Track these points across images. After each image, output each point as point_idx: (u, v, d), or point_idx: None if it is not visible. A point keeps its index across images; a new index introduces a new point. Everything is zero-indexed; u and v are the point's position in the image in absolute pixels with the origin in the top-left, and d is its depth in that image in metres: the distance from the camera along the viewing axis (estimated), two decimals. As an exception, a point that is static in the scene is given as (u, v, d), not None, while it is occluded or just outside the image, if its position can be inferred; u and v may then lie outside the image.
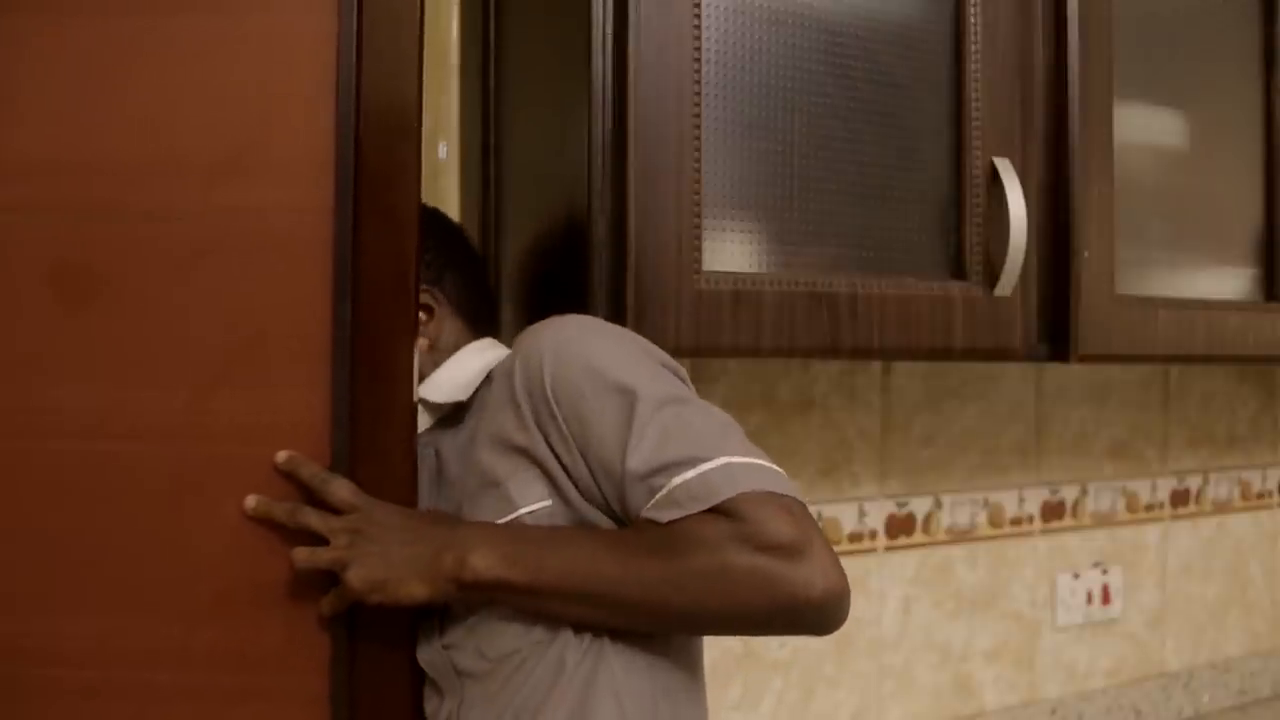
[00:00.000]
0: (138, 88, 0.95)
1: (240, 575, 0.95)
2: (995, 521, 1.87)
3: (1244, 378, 2.18)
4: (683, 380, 1.00)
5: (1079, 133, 1.39)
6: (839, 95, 1.26)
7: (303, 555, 0.94)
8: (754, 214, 1.22)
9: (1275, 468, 2.24)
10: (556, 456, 0.97)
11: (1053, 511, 1.93)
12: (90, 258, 0.95)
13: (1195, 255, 1.61)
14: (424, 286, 1.10)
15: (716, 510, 0.88)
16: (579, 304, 1.15)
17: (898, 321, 1.27)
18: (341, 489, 0.94)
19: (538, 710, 0.96)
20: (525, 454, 0.97)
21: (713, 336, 1.17)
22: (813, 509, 1.68)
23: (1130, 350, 1.46)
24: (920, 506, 1.79)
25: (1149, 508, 2.05)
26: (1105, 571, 1.99)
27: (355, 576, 0.92)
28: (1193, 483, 2.12)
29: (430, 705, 1.03)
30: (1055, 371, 1.92)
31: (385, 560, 0.93)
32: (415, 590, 0.93)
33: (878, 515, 1.75)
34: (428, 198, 1.07)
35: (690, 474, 0.89)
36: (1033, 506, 1.91)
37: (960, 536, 1.83)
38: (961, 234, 1.33)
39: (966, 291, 1.32)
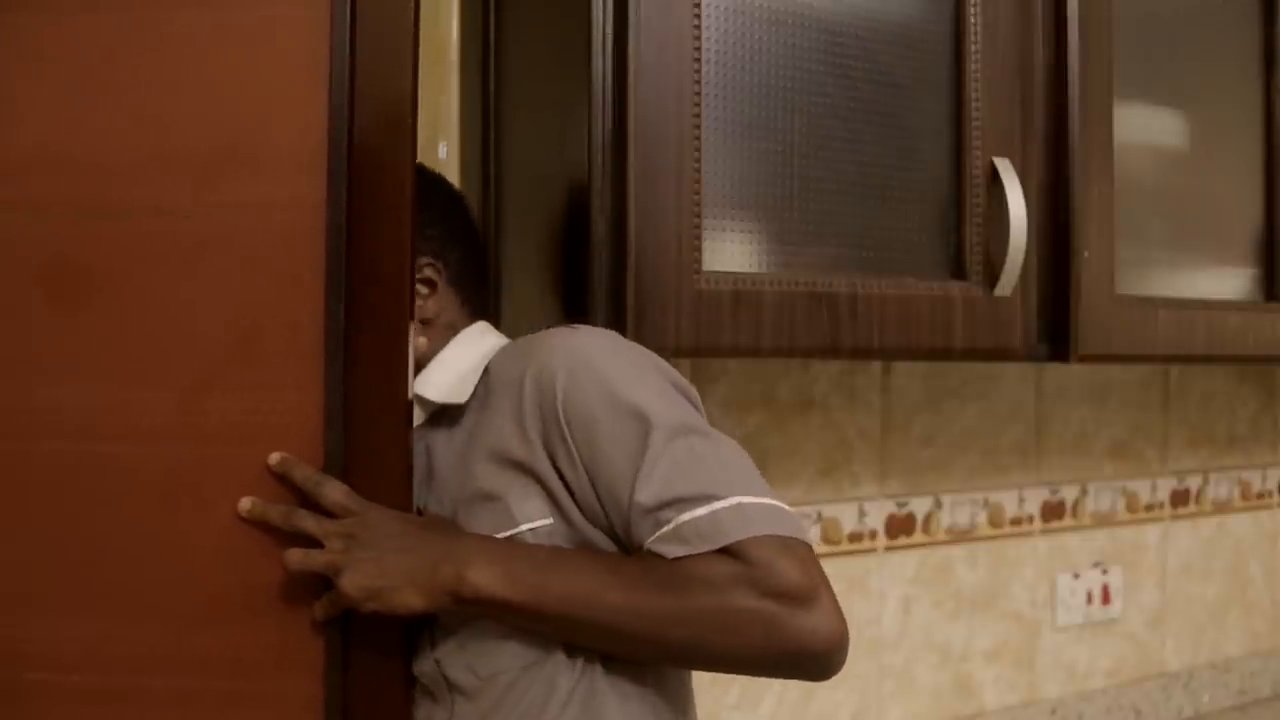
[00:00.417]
0: (131, 83, 0.95)
1: (234, 578, 0.94)
2: (995, 521, 1.87)
3: (1244, 378, 2.18)
4: (693, 402, 1.00)
5: (1079, 133, 1.39)
6: (839, 95, 1.26)
7: (296, 557, 0.92)
8: (754, 214, 1.22)
9: (1275, 468, 2.24)
10: (561, 476, 0.96)
11: (1053, 511, 1.93)
12: (83, 255, 0.94)
13: (1195, 255, 1.60)
14: (427, 259, 1.07)
15: (725, 551, 0.88)
16: (579, 303, 1.15)
17: (898, 321, 1.27)
18: (335, 491, 0.93)
19: None
20: (528, 471, 0.96)
21: (713, 336, 1.17)
22: (812, 509, 1.69)
23: (1130, 350, 1.46)
24: (920, 506, 1.79)
25: (1149, 508, 2.05)
26: (1105, 571, 1.99)
27: (349, 583, 0.91)
28: (1193, 483, 2.12)
29: (422, 712, 1.02)
30: (1055, 371, 1.92)
31: (380, 567, 0.91)
32: (411, 600, 0.91)
33: (878, 515, 1.75)
34: (427, 198, 1.07)
35: (701, 511, 0.89)
36: (1033, 506, 1.91)
37: (960, 536, 1.83)
38: (961, 234, 1.33)
39: (966, 291, 1.32)
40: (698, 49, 1.16)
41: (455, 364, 1.07)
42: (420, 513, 1.03)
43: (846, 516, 1.72)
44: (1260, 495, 2.22)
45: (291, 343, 0.94)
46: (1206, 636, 2.13)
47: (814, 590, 0.87)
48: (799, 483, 1.68)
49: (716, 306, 1.17)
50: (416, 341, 0.99)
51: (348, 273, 0.94)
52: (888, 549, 1.76)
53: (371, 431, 0.95)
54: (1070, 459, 1.95)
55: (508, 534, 0.97)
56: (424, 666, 1.01)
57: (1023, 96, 1.36)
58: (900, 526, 1.77)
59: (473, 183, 1.38)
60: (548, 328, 1.25)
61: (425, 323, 1.08)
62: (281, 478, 0.94)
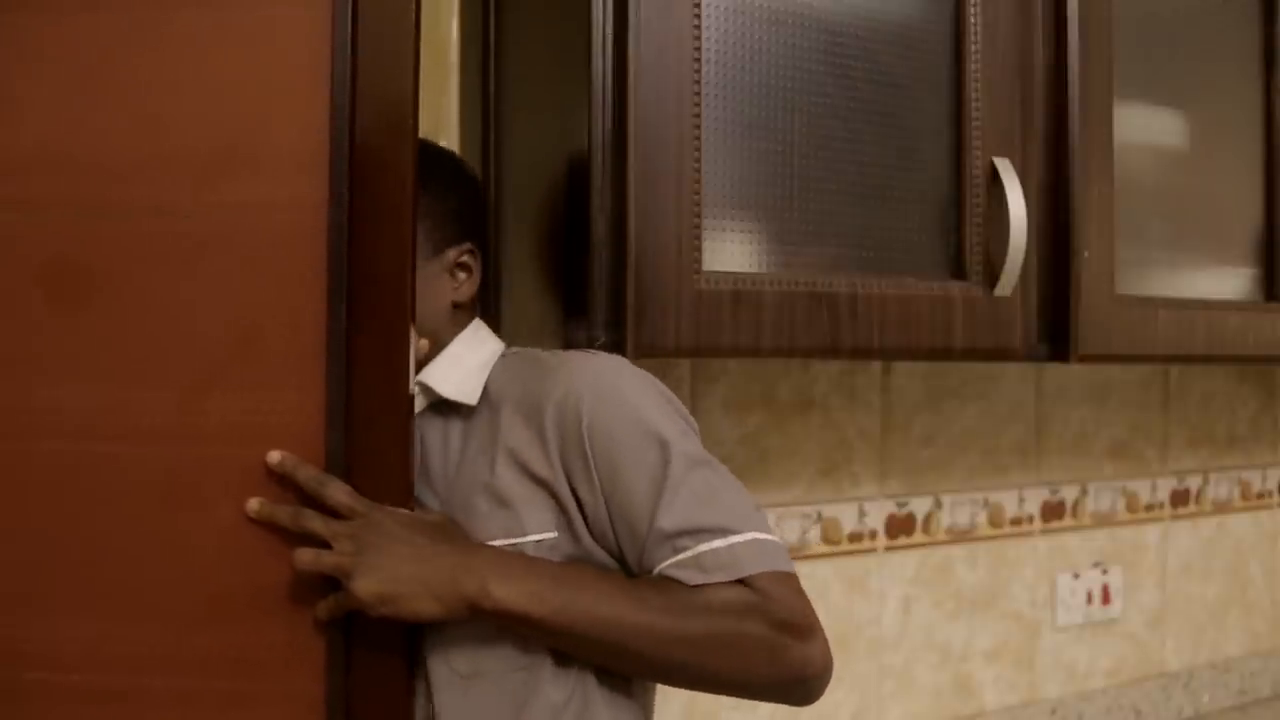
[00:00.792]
0: (132, 83, 0.95)
1: (235, 578, 0.94)
2: (995, 521, 1.87)
3: (1244, 378, 2.18)
4: (695, 431, 1.04)
5: (1079, 133, 1.39)
6: (839, 95, 1.26)
7: (307, 558, 0.93)
8: (754, 214, 1.22)
9: (1275, 468, 2.24)
10: (575, 494, 1.00)
11: (1053, 511, 1.93)
12: (83, 255, 0.94)
13: (1195, 255, 1.60)
14: (468, 244, 1.10)
15: (740, 582, 0.95)
16: (579, 303, 1.15)
17: (898, 321, 1.27)
18: (339, 491, 0.94)
19: None
20: (545, 486, 1.00)
21: (713, 336, 1.17)
22: (813, 509, 1.69)
23: (1130, 350, 1.46)
24: (920, 506, 1.79)
25: (1149, 508, 2.05)
26: (1105, 571, 1.99)
27: (363, 588, 0.91)
28: (1193, 483, 2.12)
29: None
30: (1055, 371, 1.92)
31: (394, 574, 0.92)
32: (428, 608, 0.93)
33: (878, 515, 1.75)
34: (427, 198, 1.07)
35: (719, 543, 0.95)
36: (1033, 506, 1.91)
37: (960, 536, 1.83)
38: (961, 234, 1.33)
39: (966, 291, 1.32)
40: (698, 49, 1.16)
41: (464, 361, 1.09)
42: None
43: (846, 516, 1.72)
44: (1260, 495, 2.22)
45: (292, 342, 0.94)
46: (1206, 636, 2.13)
47: (812, 623, 0.96)
48: (799, 483, 1.68)
49: (716, 306, 1.17)
50: (418, 343, 0.99)
51: (349, 273, 0.94)
52: (888, 549, 1.76)
53: (373, 431, 0.95)
54: (1070, 459, 1.95)
55: (512, 541, 0.99)
56: None
57: (1023, 96, 1.36)
58: (900, 526, 1.77)
59: (473, 183, 1.38)
60: (547, 328, 1.25)
61: (458, 306, 1.11)
62: (283, 478, 0.94)
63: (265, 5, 0.95)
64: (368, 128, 0.94)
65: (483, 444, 1.05)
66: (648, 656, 0.95)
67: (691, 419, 1.04)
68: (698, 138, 1.15)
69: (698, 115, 1.16)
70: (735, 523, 0.96)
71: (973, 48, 1.32)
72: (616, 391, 1.00)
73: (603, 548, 1.00)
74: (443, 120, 1.41)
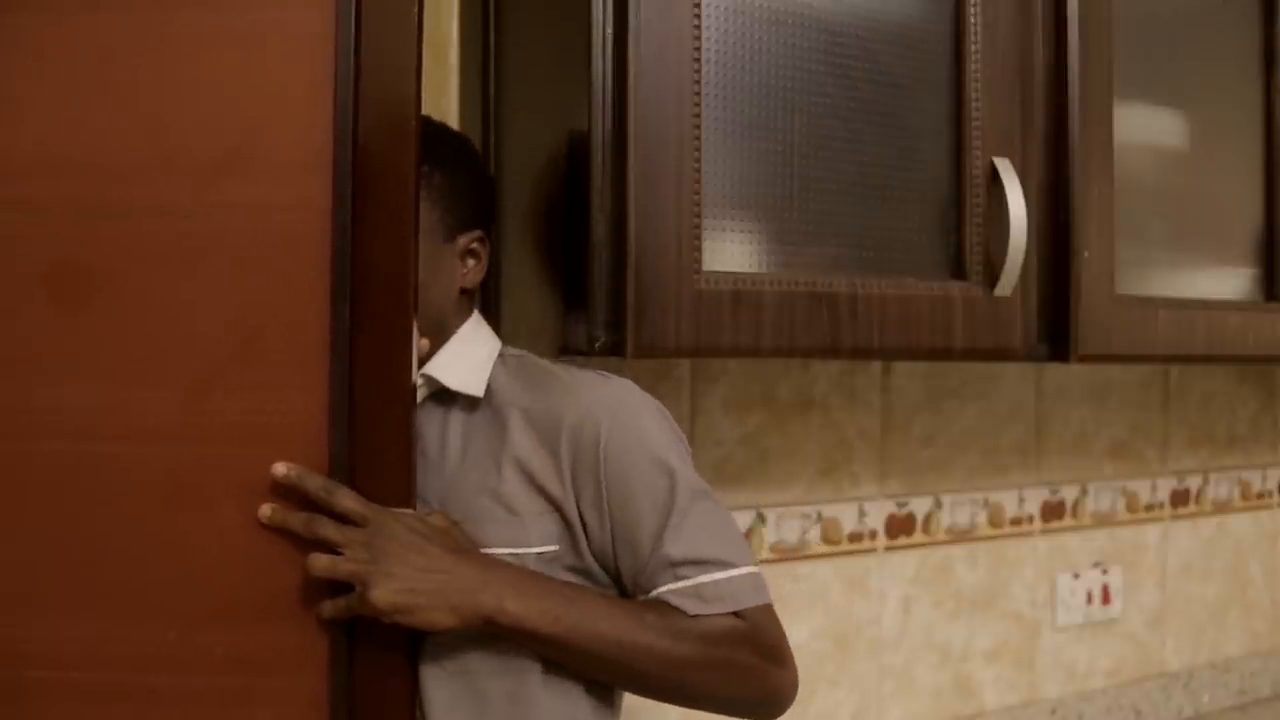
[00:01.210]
0: (135, 85, 0.95)
1: (238, 577, 0.94)
2: (995, 521, 1.87)
3: (1244, 378, 2.18)
4: (690, 455, 1.10)
5: (1079, 133, 1.39)
6: (839, 95, 1.26)
7: (323, 563, 0.94)
8: (754, 214, 1.22)
9: (1275, 468, 2.24)
10: (581, 513, 1.05)
11: (1053, 511, 1.93)
12: (86, 256, 0.94)
13: (1195, 255, 1.60)
14: (478, 233, 1.13)
15: (734, 613, 1.03)
16: (579, 303, 1.15)
17: (898, 321, 1.27)
18: (348, 499, 0.94)
19: None
20: (553, 502, 1.05)
21: (713, 336, 1.17)
22: (813, 509, 1.69)
23: (1130, 350, 1.46)
24: (920, 506, 1.79)
25: (1149, 508, 2.05)
26: (1105, 571, 1.99)
27: (379, 597, 0.93)
28: (1193, 483, 2.12)
29: None
30: (1055, 371, 1.92)
31: (410, 584, 0.94)
32: (443, 619, 0.96)
33: (878, 515, 1.75)
34: (428, 198, 1.07)
35: (720, 576, 1.03)
36: (1033, 506, 1.91)
37: (960, 536, 1.83)
38: (961, 234, 1.33)
39: (966, 291, 1.32)
40: (698, 49, 1.16)
41: (468, 354, 1.11)
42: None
43: (846, 516, 1.72)
44: (1260, 495, 2.22)
45: (294, 343, 0.94)
46: (1206, 636, 2.13)
47: (788, 652, 1.07)
48: (799, 483, 1.68)
49: (716, 306, 1.17)
50: (420, 343, 1.00)
51: (351, 274, 0.94)
52: (888, 549, 1.76)
53: (375, 431, 0.96)
54: (1070, 459, 1.95)
55: (515, 551, 1.03)
56: None
57: (1023, 96, 1.36)
58: (900, 526, 1.77)
59: (473, 183, 1.38)
60: (547, 327, 1.25)
61: (463, 292, 1.13)
62: (291, 488, 0.94)
63: (268, 7, 0.95)
64: (370, 129, 0.95)
65: (487, 445, 1.07)
66: (645, 675, 1.02)
67: (686, 440, 1.10)
68: (698, 138, 1.15)
69: (698, 115, 1.16)
70: (733, 556, 1.04)
71: (973, 48, 1.32)
72: (632, 419, 1.05)
73: (600, 564, 1.06)
74: (443, 120, 1.41)
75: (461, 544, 1.01)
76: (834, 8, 1.25)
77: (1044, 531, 1.93)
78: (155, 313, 0.94)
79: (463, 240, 1.11)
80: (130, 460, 0.94)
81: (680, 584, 1.02)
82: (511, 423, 1.06)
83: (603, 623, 1.00)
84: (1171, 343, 1.50)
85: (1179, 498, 2.09)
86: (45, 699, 0.94)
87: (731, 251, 1.20)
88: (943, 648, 1.82)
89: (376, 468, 0.96)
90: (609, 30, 1.14)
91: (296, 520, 0.94)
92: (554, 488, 1.04)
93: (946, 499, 1.82)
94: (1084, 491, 1.97)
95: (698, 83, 1.16)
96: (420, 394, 1.06)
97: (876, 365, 1.75)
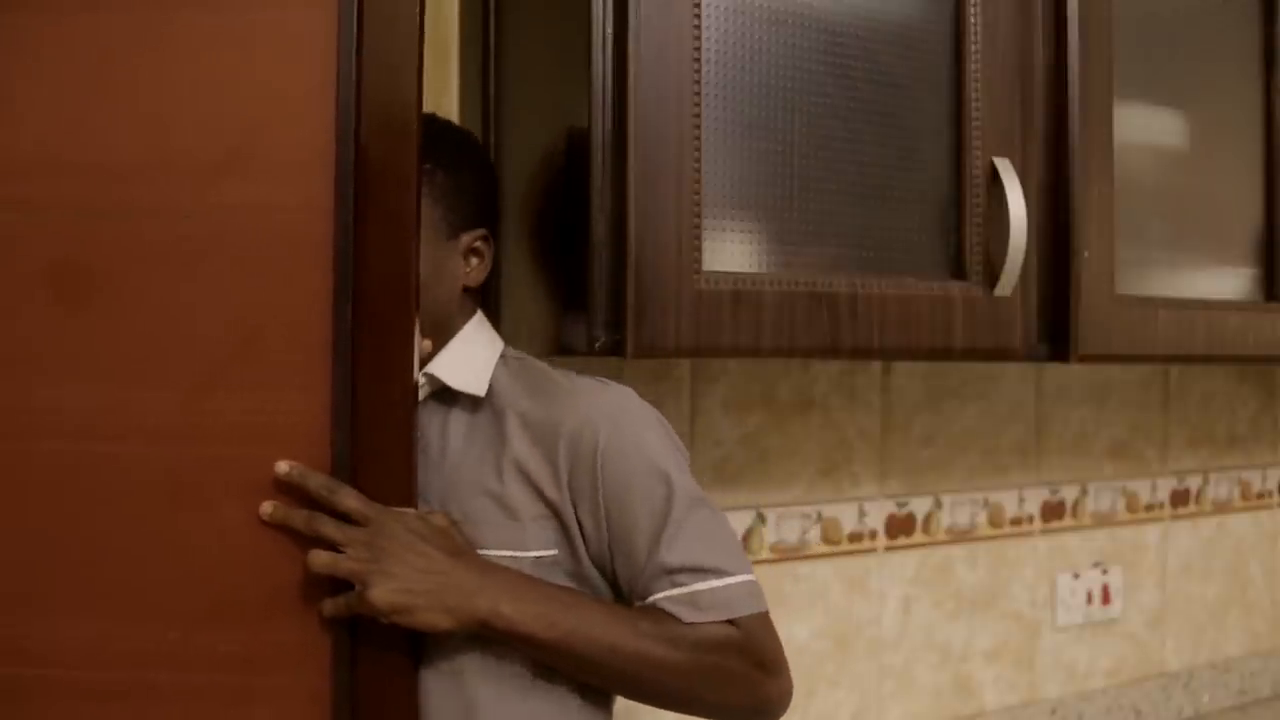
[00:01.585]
0: (137, 85, 0.95)
1: (240, 576, 0.95)
2: (995, 521, 1.87)
3: (1244, 378, 2.18)
4: (688, 462, 1.11)
5: (1079, 133, 1.39)
6: (839, 95, 1.26)
7: (323, 560, 0.94)
8: (754, 214, 1.22)
9: (1275, 468, 2.24)
10: (579, 518, 1.05)
11: (1053, 511, 1.93)
12: (89, 256, 0.94)
13: (1195, 255, 1.61)
14: (482, 231, 1.13)
15: (728, 621, 1.03)
16: (579, 303, 1.15)
17: (898, 321, 1.27)
18: (350, 498, 0.95)
19: None
20: (552, 507, 1.05)
21: (713, 336, 1.17)
22: (813, 509, 1.69)
23: (1130, 350, 1.46)
24: (920, 506, 1.79)
25: (1149, 508, 2.05)
26: (1105, 571, 1.99)
27: (379, 595, 0.94)
28: (1193, 483, 2.12)
29: None
30: (1055, 371, 1.92)
31: (408, 585, 0.95)
32: (439, 621, 0.96)
33: (878, 515, 1.75)
34: (428, 198, 1.07)
35: (715, 583, 1.03)
36: (1033, 506, 1.91)
37: (960, 536, 1.83)
38: (961, 234, 1.33)
39: (966, 291, 1.32)
40: (698, 49, 1.16)
41: (471, 355, 1.11)
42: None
43: (846, 516, 1.72)
44: (1260, 495, 2.22)
45: (297, 343, 0.94)
46: (1206, 636, 2.13)
47: (782, 662, 1.07)
48: (799, 483, 1.68)
49: (716, 306, 1.17)
50: (422, 343, 1.00)
51: (354, 274, 0.94)
52: (888, 549, 1.76)
53: (377, 431, 0.96)
54: (1070, 459, 1.95)
55: (513, 554, 1.04)
56: None
57: (1023, 96, 1.36)
58: (900, 526, 1.77)
59: (473, 183, 1.38)
60: (546, 327, 1.25)
61: (466, 290, 1.13)
62: (293, 487, 0.94)
63: (269, 8, 0.95)
64: (371, 129, 0.95)
65: (487, 447, 1.07)
66: (638, 681, 1.03)
67: (684, 448, 1.11)
68: (698, 137, 1.15)
69: (698, 115, 1.16)
70: (729, 564, 1.05)
71: (973, 48, 1.32)
72: (630, 427, 1.06)
73: (598, 569, 1.07)
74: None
75: (461, 546, 1.01)
76: (834, 8, 1.25)
77: (1044, 531, 1.93)
78: (156, 313, 0.94)
79: (466, 239, 1.11)
80: (132, 460, 0.94)
81: (675, 591, 1.03)
82: (511, 426, 1.06)
83: (597, 629, 1.00)
84: (1171, 343, 1.50)
85: (1179, 498, 2.09)
86: (47, 697, 0.94)
87: (731, 251, 1.20)
88: (943, 648, 1.82)
89: (378, 467, 0.97)
90: (609, 30, 1.14)
91: (298, 518, 0.94)
92: (551, 492, 1.05)
93: (946, 499, 1.82)
94: (1084, 491, 1.97)
95: (698, 83, 1.16)
96: (422, 393, 1.06)
97: (876, 365, 1.75)
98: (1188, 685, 2.09)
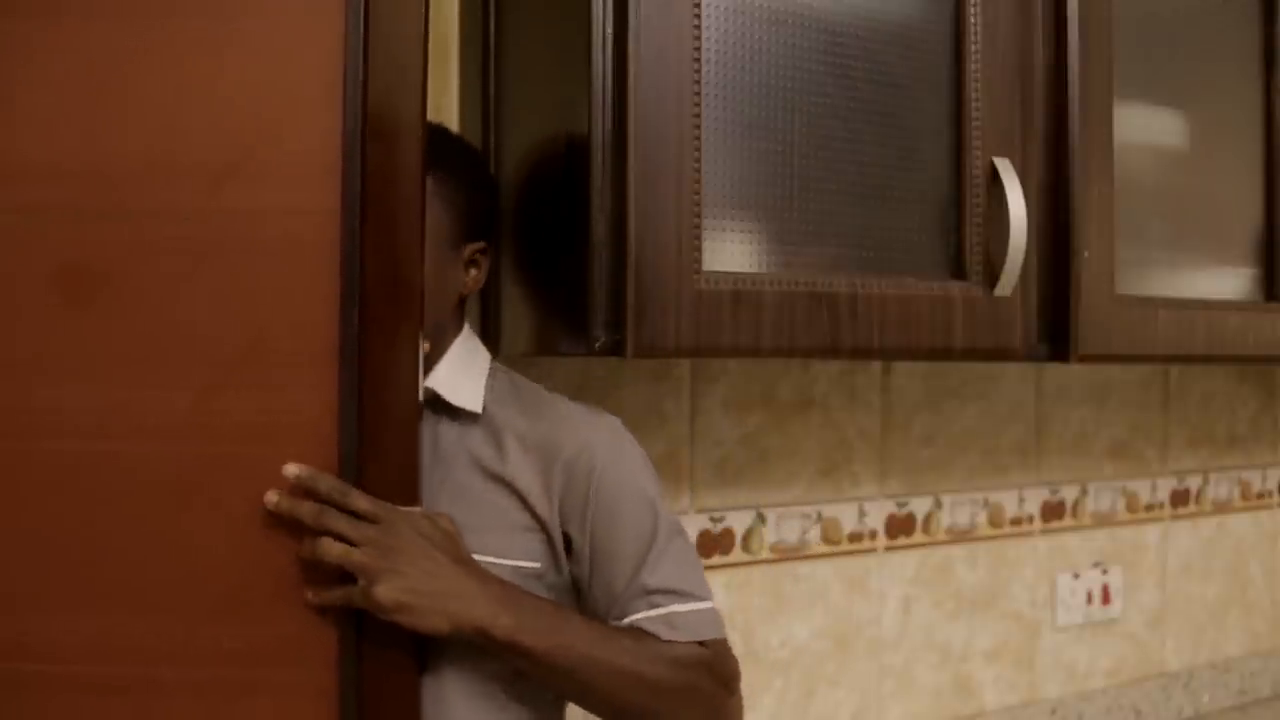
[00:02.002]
0: (143, 90, 0.95)
1: (245, 571, 0.95)
2: (995, 521, 1.87)
3: (1244, 378, 2.18)
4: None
5: (1079, 133, 1.39)
6: (839, 95, 1.26)
7: (335, 550, 0.94)
8: (754, 214, 1.22)
9: (1275, 468, 2.24)
10: (566, 536, 1.11)
11: (1053, 511, 1.93)
12: (96, 259, 0.95)
13: (1195, 255, 1.61)
14: (482, 243, 1.16)
15: (699, 642, 1.10)
16: (579, 303, 1.15)
17: (898, 321, 1.27)
18: (361, 499, 0.96)
19: None
20: (539, 521, 1.10)
21: (713, 336, 1.17)
22: (813, 509, 1.69)
23: (1130, 350, 1.46)
24: (920, 506, 1.79)
25: (1149, 508, 2.05)
26: (1105, 571, 1.99)
27: (385, 592, 0.95)
28: (1193, 483, 2.12)
29: None
30: (1055, 371, 1.92)
31: (414, 586, 0.97)
32: (438, 624, 0.98)
33: (878, 515, 1.75)
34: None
35: (688, 607, 1.11)
36: (1033, 506, 1.91)
37: (960, 536, 1.83)
38: (961, 234, 1.33)
39: (966, 291, 1.32)
40: (698, 49, 1.16)
41: (466, 369, 1.15)
42: None
43: (846, 516, 1.72)
44: (1260, 495, 2.22)
45: (304, 345, 0.95)
46: (1206, 636, 2.13)
47: (738, 678, 1.14)
48: (799, 483, 1.68)
49: (716, 306, 1.17)
50: (423, 345, 1.00)
51: (360, 276, 0.95)
52: (888, 549, 1.76)
53: (383, 432, 0.97)
54: (1070, 459, 1.95)
55: (494, 560, 1.07)
56: None
57: (1023, 96, 1.36)
58: (900, 526, 1.77)
59: (473, 183, 1.38)
60: (546, 328, 1.25)
61: (462, 299, 1.17)
62: (304, 490, 0.95)
63: (276, 15, 0.95)
64: (378, 136, 0.95)
65: (478, 458, 1.10)
66: (614, 695, 1.07)
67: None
68: (698, 138, 1.15)
69: (698, 115, 1.16)
70: (701, 591, 1.13)
71: (973, 48, 1.32)
72: (623, 458, 1.13)
73: (574, 583, 1.12)
74: (443, 120, 1.41)
75: (464, 554, 1.03)
76: (834, 8, 1.25)
77: (1044, 531, 1.93)
78: (164, 315, 0.95)
79: (468, 249, 1.14)
80: (140, 458, 0.95)
81: (654, 611, 1.09)
82: (508, 443, 1.11)
83: (583, 643, 1.05)
84: (1171, 343, 1.50)
85: (1179, 498, 2.09)
86: (53, 693, 0.95)
87: (731, 251, 1.20)
88: (943, 648, 1.82)
89: (384, 467, 0.98)
90: (609, 30, 1.14)
91: (306, 510, 0.94)
92: (542, 508, 1.09)
93: (946, 499, 1.82)
94: (1084, 491, 1.97)
95: (698, 83, 1.16)
96: None
97: (876, 365, 1.75)
98: (1188, 685, 2.09)
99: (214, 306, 0.95)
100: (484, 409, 1.12)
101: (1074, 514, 1.96)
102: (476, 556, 1.05)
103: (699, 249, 1.16)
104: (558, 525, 1.10)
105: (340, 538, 0.95)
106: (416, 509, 0.99)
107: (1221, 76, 1.62)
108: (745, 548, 1.63)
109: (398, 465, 0.98)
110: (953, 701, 1.83)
